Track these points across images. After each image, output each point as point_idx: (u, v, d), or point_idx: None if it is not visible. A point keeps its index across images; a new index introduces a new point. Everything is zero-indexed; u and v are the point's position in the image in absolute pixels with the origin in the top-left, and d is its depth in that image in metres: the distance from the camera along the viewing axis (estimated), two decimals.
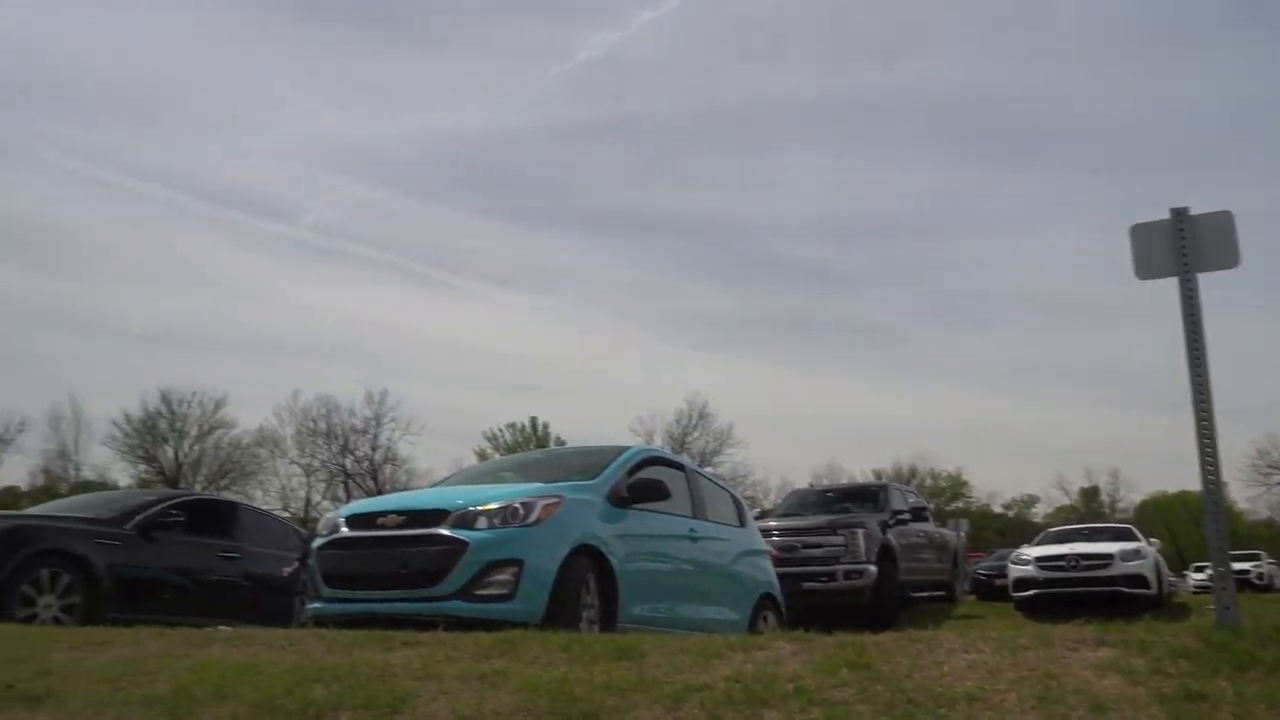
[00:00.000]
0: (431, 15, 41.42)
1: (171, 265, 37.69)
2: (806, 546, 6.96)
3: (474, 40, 41.08)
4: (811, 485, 13.18)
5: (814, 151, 43.58)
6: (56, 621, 4.29)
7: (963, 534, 9.79)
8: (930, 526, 9.17)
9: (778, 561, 5.52)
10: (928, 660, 2.33)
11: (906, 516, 8.11)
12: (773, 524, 7.26)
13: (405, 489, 20.79)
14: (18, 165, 36.44)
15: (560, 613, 3.38)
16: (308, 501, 28.30)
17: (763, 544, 5.23)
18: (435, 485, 4.73)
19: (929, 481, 32.55)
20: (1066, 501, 35.04)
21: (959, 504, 32.00)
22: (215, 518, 5.54)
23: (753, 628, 4.51)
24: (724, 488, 5.39)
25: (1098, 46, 42.83)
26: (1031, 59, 43.33)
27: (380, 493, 21.60)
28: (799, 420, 41.19)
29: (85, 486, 24.40)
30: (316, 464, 28.84)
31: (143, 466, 27.71)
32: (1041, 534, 10.48)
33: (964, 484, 33.94)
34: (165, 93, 39.98)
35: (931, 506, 11.20)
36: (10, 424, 26.50)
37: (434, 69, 41.16)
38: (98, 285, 36.81)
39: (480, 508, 3.53)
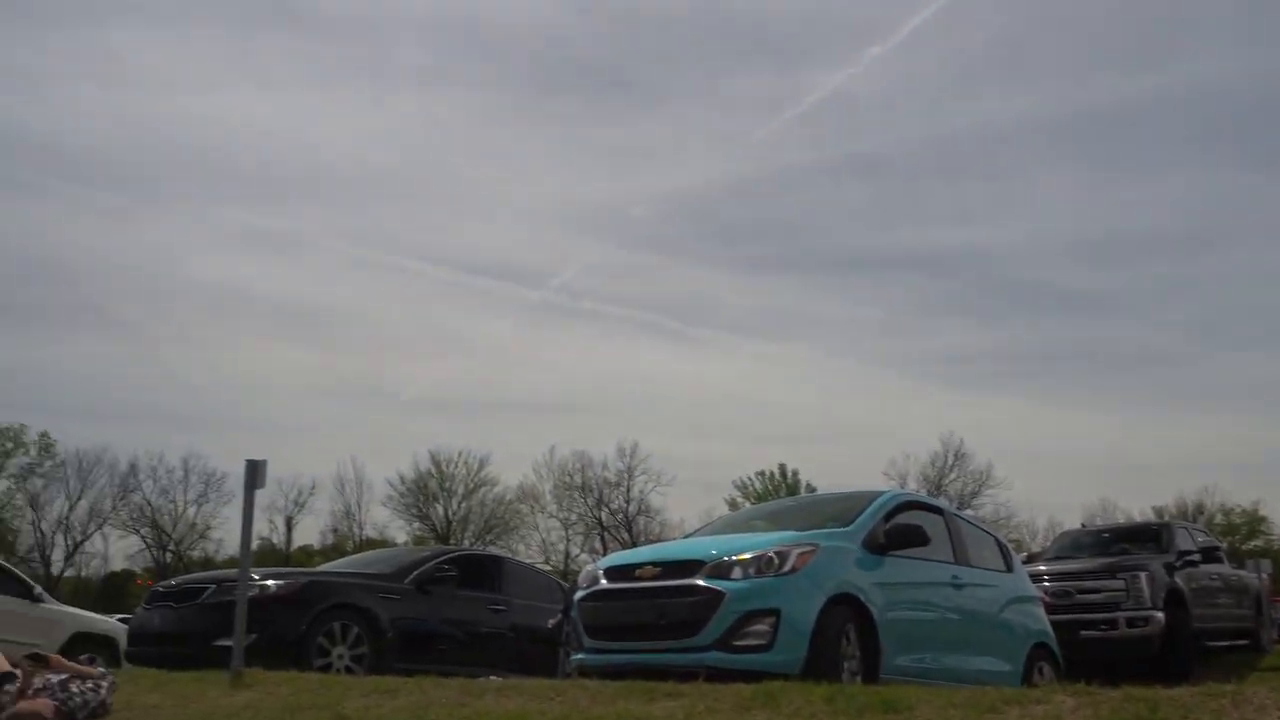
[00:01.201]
0: (657, 75, 42.67)
1: (434, 334, 40.41)
2: (1082, 592, 6.50)
3: (702, 94, 41.91)
4: (1084, 526, 12.34)
5: (1064, 170, 41.39)
6: (348, 670, 4.62)
7: (1265, 575, 8.86)
8: (1225, 568, 8.36)
9: (1050, 609, 5.19)
10: (1234, 718, 2.12)
11: (1196, 557, 7.43)
12: (1043, 568, 6.83)
13: (659, 540, 21.13)
14: (303, 252, 40.36)
15: (820, 663, 3.31)
16: (566, 554, 29.27)
17: (1033, 590, 4.94)
18: (689, 536, 4.76)
19: (1219, 518, 29.76)
20: None
21: (1257, 542, 29.04)
22: (483, 572, 5.80)
23: (1027, 679, 4.25)
24: (986, 531, 5.14)
25: None
26: None
27: (635, 544, 22.03)
28: (1065, 457, 38.77)
29: (368, 544, 26.32)
30: (574, 517, 29.83)
31: (417, 524, 29.62)
32: None
33: (1262, 520, 30.76)
34: (421, 175, 43.21)
35: (1224, 546, 10.23)
36: (302, 488, 29.05)
37: (665, 126, 42.30)
38: (372, 357, 39.93)
39: (735, 557, 3.52)
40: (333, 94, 40.64)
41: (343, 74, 41.37)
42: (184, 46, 38.72)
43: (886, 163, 41.75)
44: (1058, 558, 7.71)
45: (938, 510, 4.55)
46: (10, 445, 27.17)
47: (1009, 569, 4.75)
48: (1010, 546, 5.20)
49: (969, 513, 11.11)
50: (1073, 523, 21.75)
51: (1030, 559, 7.69)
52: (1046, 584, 6.16)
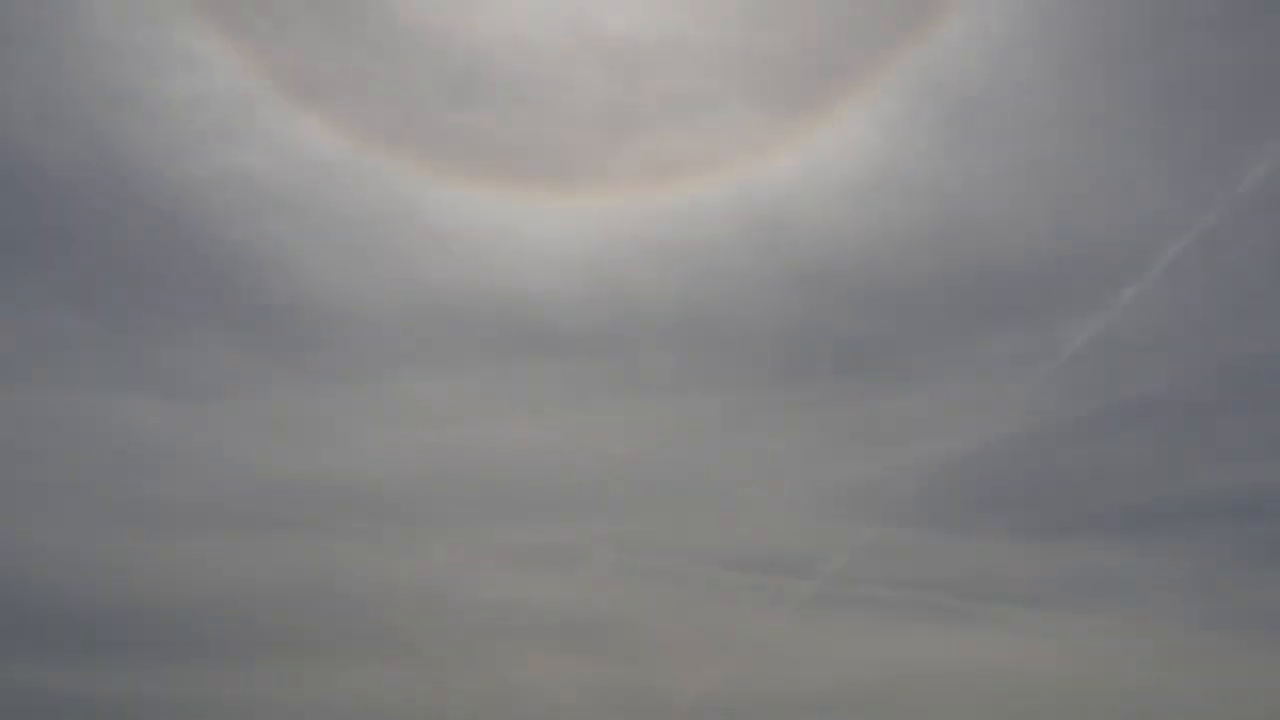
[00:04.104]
0: (904, 348, 41.66)
1: (705, 635, 39.76)
2: None
3: (953, 360, 40.68)
4: None
5: None
6: None
7: None
8: None
9: None
10: None
11: None
12: None
13: None
14: (575, 563, 40.32)
15: None
16: None
17: None
18: None
19: None
20: None
21: None
22: None
23: None
24: None
25: None
26: None
27: None
28: None
29: None
30: None
31: None
32: None
33: None
34: (679, 478, 43.09)
35: None
36: None
37: (920, 398, 41.16)
38: (643, 664, 39.47)
39: None
40: (591, 409, 40.86)
41: (598, 389, 41.34)
42: (458, 382, 39.29)
43: (1164, 403, 39.89)
44: None
45: None
46: None
47: None
48: None
49: None
50: None
51: None
52: None
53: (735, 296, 37.55)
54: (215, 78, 17.11)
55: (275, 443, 24.82)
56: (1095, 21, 23.51)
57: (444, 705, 35.52)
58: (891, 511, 39.73)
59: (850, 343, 39.00)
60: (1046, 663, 34.34)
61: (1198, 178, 29.39)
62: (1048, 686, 33.84)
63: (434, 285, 23.25)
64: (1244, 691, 32.25)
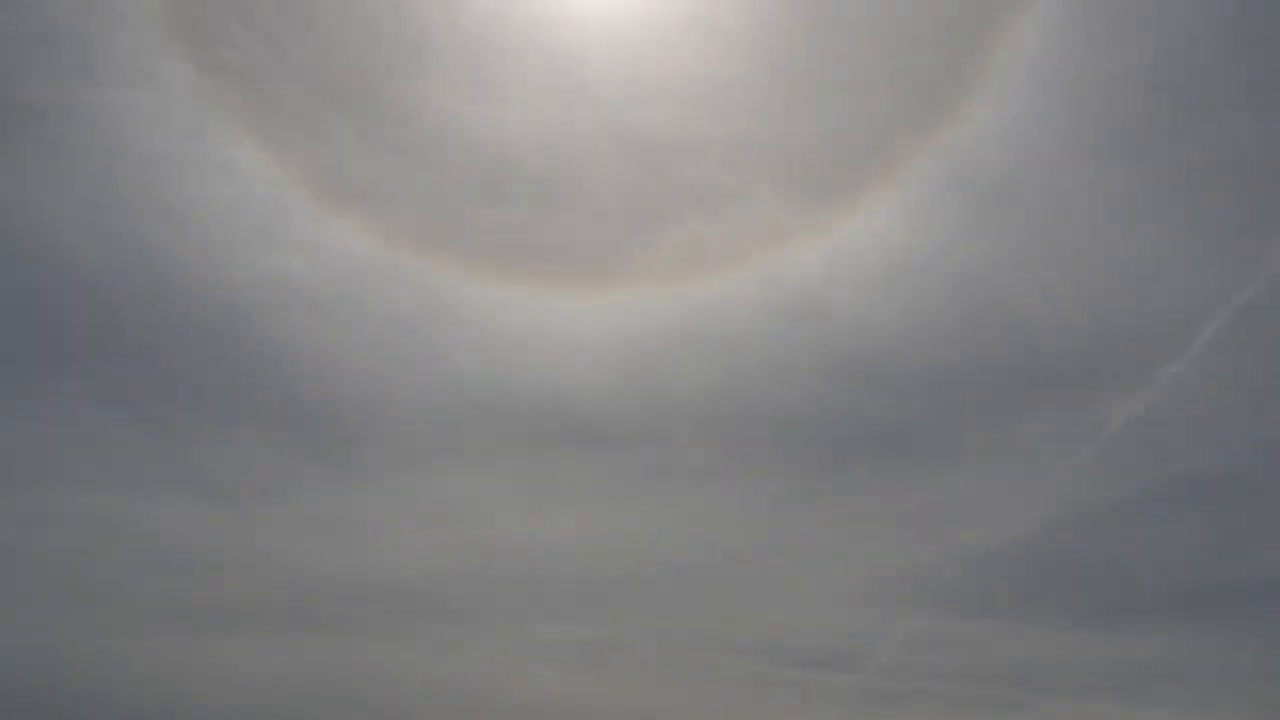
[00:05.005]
0: (945, 432, 41.82)
1: None
2: None
3: (994, 444, 40.79)
4: None
5: None
6: None
7: None
8: None
9: None
10: None
11: None
12: None
13: None
14: (615, 658, 40.30)
15: None
16: None
17: None
18: None
19: None
20: None
21: None
22: None
23: None
24: None
25: None
26: None
27: None
28: None
29: None
30: None
31: None
32: None
33: None
34: (719, 570, 43.19)
35: None
36: None
37: (963, 482, 41.11)
38: None
39: None
40: (626, 501, 41.15)
41: (633, 481, 41.64)
42: (492, 477, 39.74)
43: (1211, 482, 39.58)
44: None
45: None
46: None
47: None
48: None
49: None
50: None
51: None
52: None
53: (768, 386, 37.08)
54: (252, 184, 17.51)
55: (310, 542, 24.74)
56: (1120, 104, 23.53)
57: None
58: (936, 600, 38.53)
59: (886, 429, 38.37)
60: None
61: (1230, 255, 28.93)
62: None
63: (467, 381, 23.29)
64: None
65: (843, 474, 39.30)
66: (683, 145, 19.60)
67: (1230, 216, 27.50)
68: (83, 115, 17.22)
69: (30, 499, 19.00)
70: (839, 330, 28.61)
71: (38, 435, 19.38)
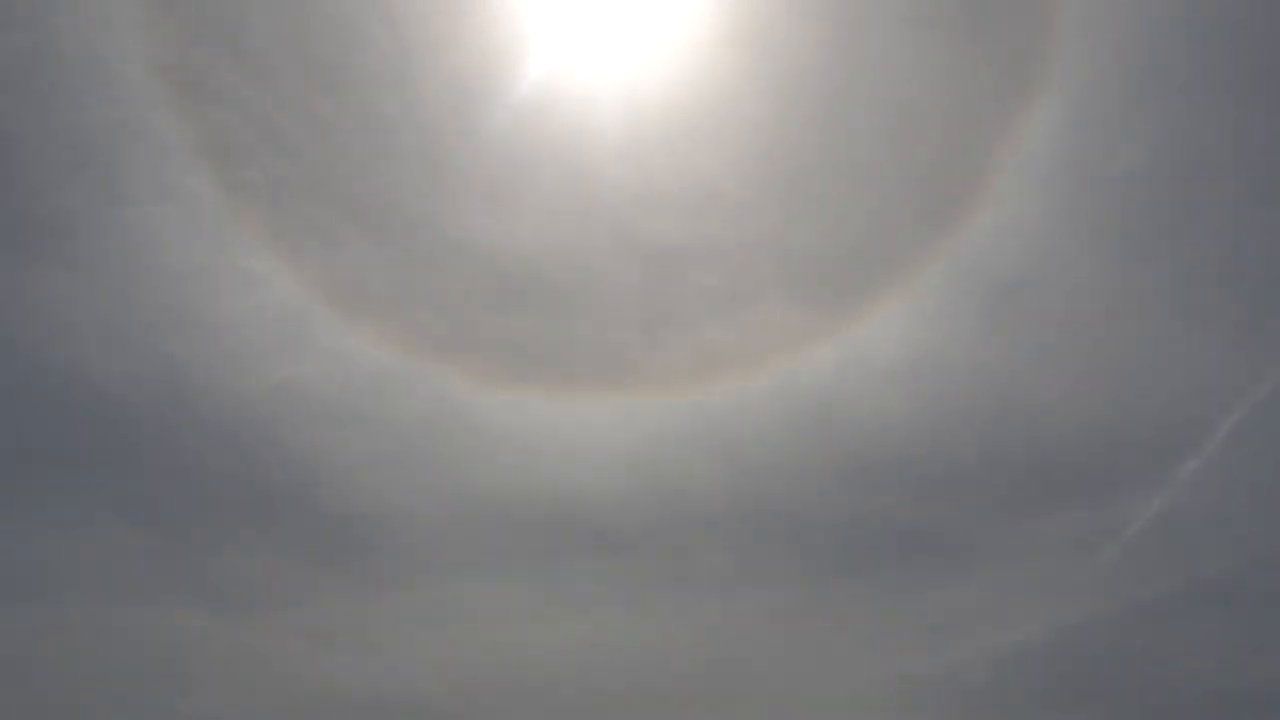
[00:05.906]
0: (963, 534, 41.81)
1: None
2: None
3: (1013, 544, 40.90)
4: None
5: None
6: None
7: None
8: None
9: None
10: None
11: None
12: None
13: None
14: None
15: None
16: None
17: None
18: None
19: None
20: None
21: None
22: None
23: None
24: None
25: None
26: None
27: None
28: None
29: None
30: None
31: None
32: None
33: None
34: (736, 679, 43.06)
35: None
36: None
37: (982, 584, 41.14)
38: None
39: None
40: (644, 607, 41.31)
41: (649, 587, 41.88)
42: (509, 585, 40.09)
43: (1237, 584, 39.70)
44: None
45: None
46: None
47: None
48: None
49: None
50: None
51: None
52: None
53: (784, 488, 36.93)
54: (270, 294, 17.72)
55: (325, 653, 24.47)
56: (1127, 202, 23.68)
57: None
58: (961, 706, 37.81)
59: (905, 531, 38.07)
60: None
61: (1249, 349, 28.79)
62: None
63: (483, 488, 23.18)
64: None
65: (862, 577, 38.74)
66: (694, 251, 19.78)
67: (1246, 310, 27.38)
68: (106, 230, 17.55)
69: (43, 611, 18.88)
70: (854, 432, 28.40)
71: (51, 545, 19.35)
